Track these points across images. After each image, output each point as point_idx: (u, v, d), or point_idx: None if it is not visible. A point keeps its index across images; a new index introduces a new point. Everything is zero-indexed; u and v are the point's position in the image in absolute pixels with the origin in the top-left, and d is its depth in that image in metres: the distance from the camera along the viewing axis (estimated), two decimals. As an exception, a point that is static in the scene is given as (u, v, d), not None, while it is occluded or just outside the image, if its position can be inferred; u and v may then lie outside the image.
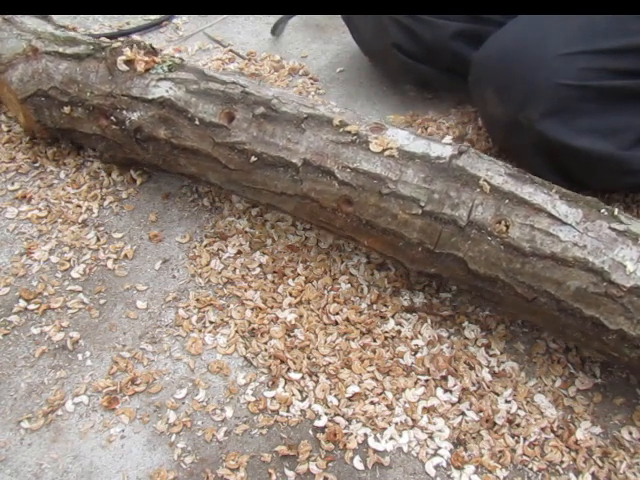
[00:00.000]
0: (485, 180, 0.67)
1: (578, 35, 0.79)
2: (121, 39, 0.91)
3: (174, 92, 0.81)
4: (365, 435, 0.68)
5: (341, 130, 0.73)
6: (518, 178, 0.68)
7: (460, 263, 0.69)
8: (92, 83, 0.87)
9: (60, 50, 0.90)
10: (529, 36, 0.83)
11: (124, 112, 0.85)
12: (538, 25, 0.83)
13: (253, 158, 0.77)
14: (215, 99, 0.79)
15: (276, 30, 1.31)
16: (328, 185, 0.73)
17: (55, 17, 1.32)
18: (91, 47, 0.89)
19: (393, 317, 0.79)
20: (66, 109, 0.90)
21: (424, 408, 0.70)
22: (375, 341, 0.76)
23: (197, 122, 0.80)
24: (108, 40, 0.93)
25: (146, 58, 0.84)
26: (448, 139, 0.73)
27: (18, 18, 0.97)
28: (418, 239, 0.70)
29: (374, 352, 0.75)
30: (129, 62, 0.85)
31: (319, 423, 0.69)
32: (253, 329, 0.78)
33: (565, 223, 0.64)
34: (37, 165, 1.00)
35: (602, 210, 0.65)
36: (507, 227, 0.66)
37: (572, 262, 0.63)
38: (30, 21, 0.97)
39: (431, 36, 0.98)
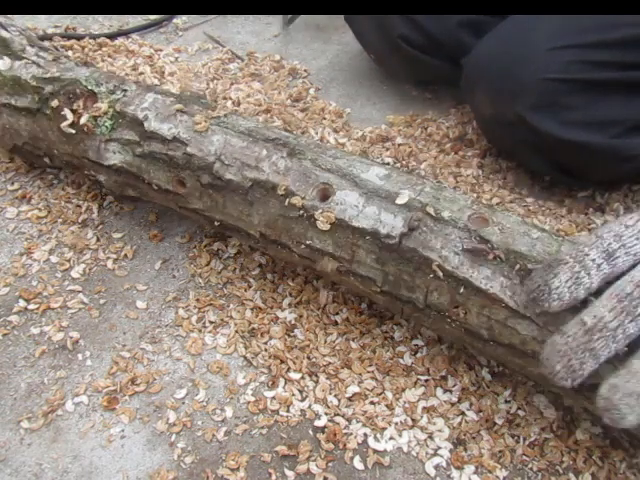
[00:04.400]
0: (438, 265, 0.62)
1: (563, 30, 0.80)
2: (60, 86, 0.84)
3: (123, 157, 0.80)
4: (365, 435, 0.68)
5: (287, 203, 0.70)
6: (477, 253, 0.61)
7: (429, 329, 0.71)
8: (53, 141, 0.86)
9: (13, 102, 0.87)
10: (514, 35, 0.84)
11: (92, 172, 0.85)
12: (524, 24, 0.84)
13: (216, 222, 0.78)
14: (163, 165, 0.77)
15: (289, 22, 1.32)
16: (289, 255, 0.74)
17: (55, 17, 1.32)
18: (37, 98, 0.85)
19: (393, 317, 0.79)
20: (47, 160, 0.91)
21: (424, 408, 0.70)
22: (375, 341, 0.76)
23: (155, 187, 0.79)
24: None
25: (86, 122, 0.80)
26: (404, 197, 0.64)
27: None
28: (385, 307, 0.73)
29: (374, 352, 0.75)
30: (73, 125, 0.82)
31: (319, 423, 0.69)
32: (253, 329, 0.78)
33: (524, 316, 0.59)
34: (37, 165, 1.00)
35: None
36: (465, 313, 0.63)
37: (531, 354, 0.59)
38: None
39: (436, 26, 0.99)
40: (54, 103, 0.83)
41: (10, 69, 0.89)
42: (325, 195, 0.69)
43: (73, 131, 0.82)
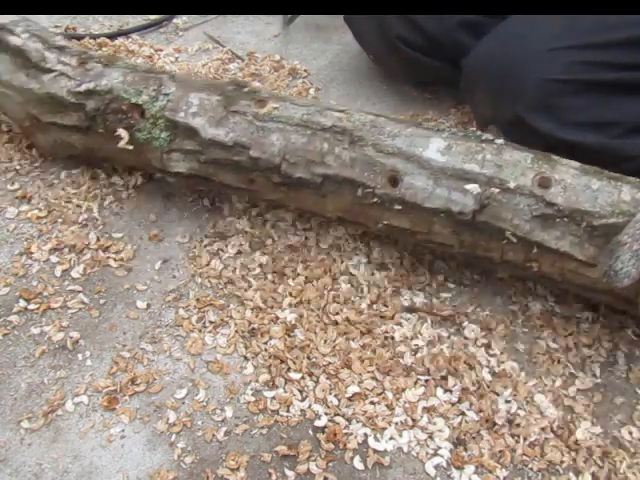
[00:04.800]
0: (511, 232, 0.68)
1: (563, 31, 0.81)
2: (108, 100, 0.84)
3: (189, 164, 0.81)
4: (365, 435, 0.68)
5: (360, 193, 0.73)
6: (546, 218, 0.67)
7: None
8: (111, 152, 0.87)
9: (59, 121, 0.88)
10: (514, 36, 0.84)
11: (159, 174, 0.88)
12: (524, 25, 0.85)
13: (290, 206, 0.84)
14: (230, 168, 0.80)
15: (289, 22, 1.32)
16: (366, 228, 0.80)
17: (55, 17, 1.32)
18: (83, 116, 0.85)
19: (393, 317, 0.79)
20: (107, 164, 0.92)
21: (424, 408, 0.70)
22: (375, 341, 0.76)
23: (226, 184, 0.82)
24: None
25: (143, 138, 0.81)
26: (474, 186, 0.69)
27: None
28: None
29: (374, 352, 0.75)
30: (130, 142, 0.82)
31: (319, 423, 0.69)
32: (253, 329, 0.78)
33: (593, 264, 0.66)
34: (37, 165, 0.99)
35: None
36: (539, 266, 0.70)
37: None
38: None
39: (436, 27, 0.99)
40: (99, 125, 0.84)
41: (42, 86, 0.87)
42: (394, 180, 0.71)
43: (131, 147, 0.82)
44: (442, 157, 0.70)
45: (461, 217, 0.70)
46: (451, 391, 0.71)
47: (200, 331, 0.78)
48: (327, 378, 0.73)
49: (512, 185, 0.68)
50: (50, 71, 0.87)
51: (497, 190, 0.68)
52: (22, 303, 0.80)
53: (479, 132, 0.74)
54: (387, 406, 0.70)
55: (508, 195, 0.68)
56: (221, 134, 0.78)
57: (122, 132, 0.81)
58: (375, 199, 0.72)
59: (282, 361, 0.74)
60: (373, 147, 0.72)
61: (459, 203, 0.69)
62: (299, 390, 0.72)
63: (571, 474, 0.65)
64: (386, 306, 0.80)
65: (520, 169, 0.69)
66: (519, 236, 0.68)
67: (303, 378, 0.73)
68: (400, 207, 0.72)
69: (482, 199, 0.69)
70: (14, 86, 0.91)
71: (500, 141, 0.72)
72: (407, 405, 0.70)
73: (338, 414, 0.69)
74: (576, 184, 0.67)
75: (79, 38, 1.25)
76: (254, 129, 0.76)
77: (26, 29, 0.92)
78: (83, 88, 0.84)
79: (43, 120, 0.90)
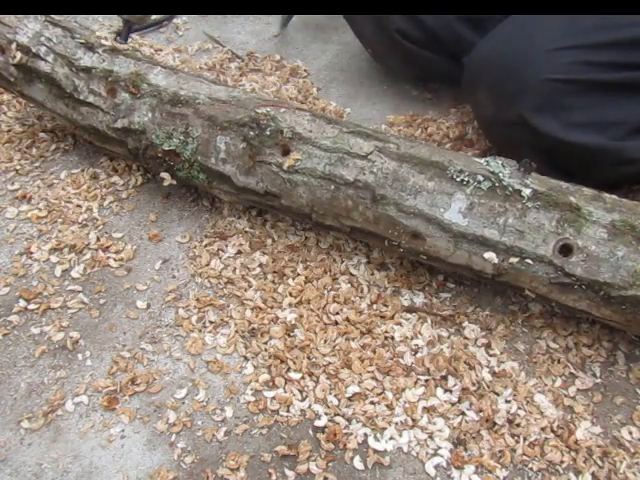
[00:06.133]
0: (530, 290, 0.71)
1: (563, 31, 0.81)
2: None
3: (232, 198, 0.87)
4: (365, 435, 0.68)
5: (386, 243, 0.77)
6: (564, 285, 0.67)
7: None
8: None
9: (109, 148, 0.94)
10: (516, 35, 0.84)
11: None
12: (525, 25, 0.84)
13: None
14: (269, 207, 0.84)
15: (285, 23, 1.32)
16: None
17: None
18: (126, 151, 0.90)
19: (393, 317, 0.79)
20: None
21: (424, 408, 0.70)
22: (375, 341, 0.76)
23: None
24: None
25: (184, 177, 0.87)
26: (491, 255, 0.69)
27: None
28: None
29: (374, 352, 0.75)
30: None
31: (319, 423, 0.69)
32: (253, 329, 0.78)
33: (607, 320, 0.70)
34: (37, 165, 1.00)
35: None
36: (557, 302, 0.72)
37: None
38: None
39: (434, 20, 0.98)
40: (146, 162, 0.89)
41: (83, 117, 0.90)
42: (417, 236, 0.73)
43: (175, 182, 0.88)
44: (463, 220, 0.70)
45: (481, 275, 0.73)
46: (451, 391, 0.71)
47: (200, 331, 0.78)
48: (327, 378, 0.73)
49: (531, 256, 0.68)
50: (85, 103, 0.89)
51: (516, 259, 0.68)
52: (22, 303, 0.80)
53: (507, 172, 0.70)
54: (387, 406, 0.70)
55: (526, 264, 0.68)
56: (252, 183, 0.81)
57: (164, 175, 0.88)
58: (401, 249, 0.76)
59: (282, 361, 0.74)
60: (395, 206, 0.72)
61: (479, 264, 0.71)
62: (299, 390, 0.72)
63: (571, 474, 0.65)
64: (386, 306, 0.80)
65: (542, 235, 0.67)
66: (538, 294, 0.71)
67: (303, 378, 0.73)
68: (425, 257, 0.75)
69: (500, 268, 0.70)
70: (59, 114, 0.94)
71: (528, 192, 0.69)
72: (407, 405, 0.70)
73: (338, 414, 0.69)
74: (600, 252, 0.65)
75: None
76: (281, 181, 0.78)
77: (49, 47, 0.91)
78: (119, 125, 0.87)
79: (96, 144, 0.95)
